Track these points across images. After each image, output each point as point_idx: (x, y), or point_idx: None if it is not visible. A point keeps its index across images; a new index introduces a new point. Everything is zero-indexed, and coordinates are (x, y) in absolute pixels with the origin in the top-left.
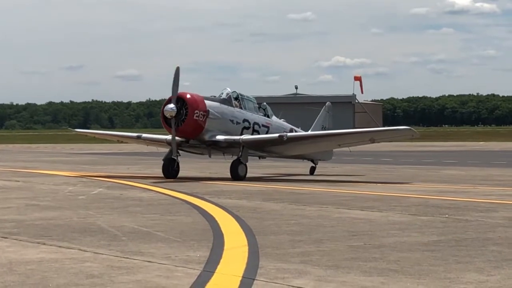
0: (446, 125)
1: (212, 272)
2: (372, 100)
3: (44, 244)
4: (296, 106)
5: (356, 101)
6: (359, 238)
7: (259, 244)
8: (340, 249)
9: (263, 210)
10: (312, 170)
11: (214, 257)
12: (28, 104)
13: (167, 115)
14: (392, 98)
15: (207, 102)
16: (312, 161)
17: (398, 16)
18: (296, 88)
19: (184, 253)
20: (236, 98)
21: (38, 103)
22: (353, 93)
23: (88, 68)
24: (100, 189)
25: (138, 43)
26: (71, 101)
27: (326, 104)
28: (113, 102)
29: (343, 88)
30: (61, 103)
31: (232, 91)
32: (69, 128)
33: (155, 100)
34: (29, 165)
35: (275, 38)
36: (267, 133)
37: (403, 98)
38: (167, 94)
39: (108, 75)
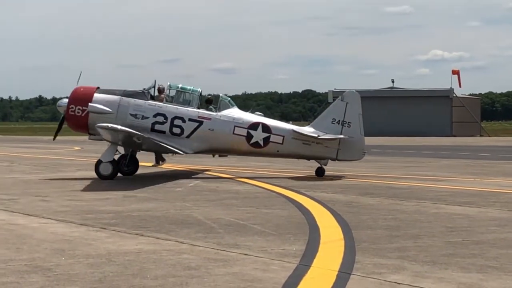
0: None
1: (308, 266)
2: (470, 94)
3: (142, 235)
4: (393, 100)
5: (454, 95)
6: (457, 234)
7: (355, 238)
8: (437, 245)
9: (359, 204)
10: (319, 171)
11: (310, 251)
12: None
13: (60, 111)
14: (491, 92)
15: (96, 96)
16: (316, 160)
17: (496, 8)
18: (393, 81)
19: (280, 246)
20: (163, 91)
21: None
22: (451, 87)
23: (184, 61)
24: (197, 181)
25: (233, 36)
26: None
27: (344, 93)
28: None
29: (440, 82)
30: None
31: (170, 83)
32: None
33: (251, 93)
34: None
35: (370, 31)
36: (198, 127)
37: (502, 92)
38: (261, 87)
39: (203, 68)
